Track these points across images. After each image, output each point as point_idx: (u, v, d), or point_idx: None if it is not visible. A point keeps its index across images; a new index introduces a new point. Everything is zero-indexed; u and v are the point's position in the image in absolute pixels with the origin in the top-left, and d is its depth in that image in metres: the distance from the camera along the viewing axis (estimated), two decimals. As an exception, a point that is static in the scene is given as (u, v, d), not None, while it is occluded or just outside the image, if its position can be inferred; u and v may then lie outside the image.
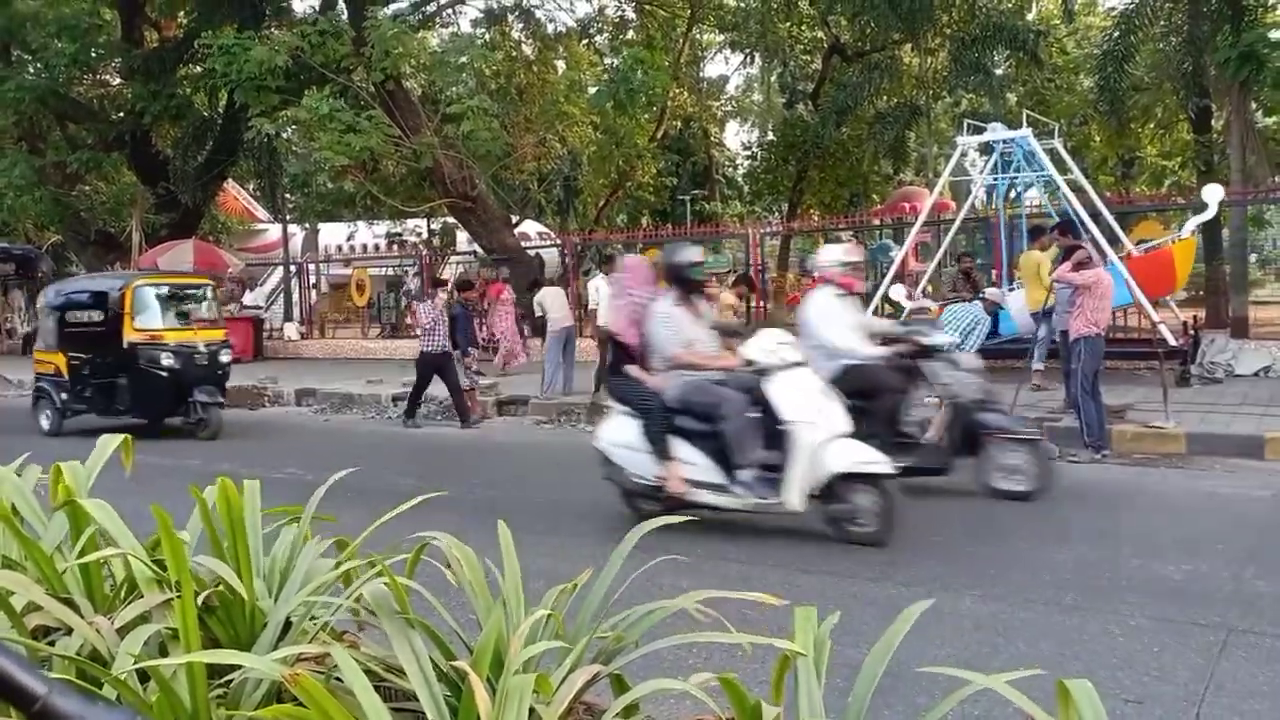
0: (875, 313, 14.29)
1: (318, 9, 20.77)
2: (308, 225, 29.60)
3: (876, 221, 22.79)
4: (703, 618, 2.33)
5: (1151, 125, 24.35)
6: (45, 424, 12.30)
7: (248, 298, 24.05)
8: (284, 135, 21.68)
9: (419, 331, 12.33)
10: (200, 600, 2.19)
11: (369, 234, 29.85)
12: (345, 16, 19.15)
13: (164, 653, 2.13)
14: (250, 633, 2.31)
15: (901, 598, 4.95)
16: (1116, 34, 19.17)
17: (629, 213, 34.06)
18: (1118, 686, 3.89)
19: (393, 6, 20.48)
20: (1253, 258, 24.95)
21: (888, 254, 15.39)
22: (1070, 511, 7.00)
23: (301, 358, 21.57)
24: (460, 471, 9.15)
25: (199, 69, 19.91)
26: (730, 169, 36.50)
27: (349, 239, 29.73)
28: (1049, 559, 5.72)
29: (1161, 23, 18.96)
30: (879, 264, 18.79)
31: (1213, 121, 19.81)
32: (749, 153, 35.98)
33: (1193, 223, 12.64)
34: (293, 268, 24.91)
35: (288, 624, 2.32)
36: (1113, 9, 22.42)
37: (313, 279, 24.91)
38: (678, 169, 32.43)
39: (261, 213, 33.08)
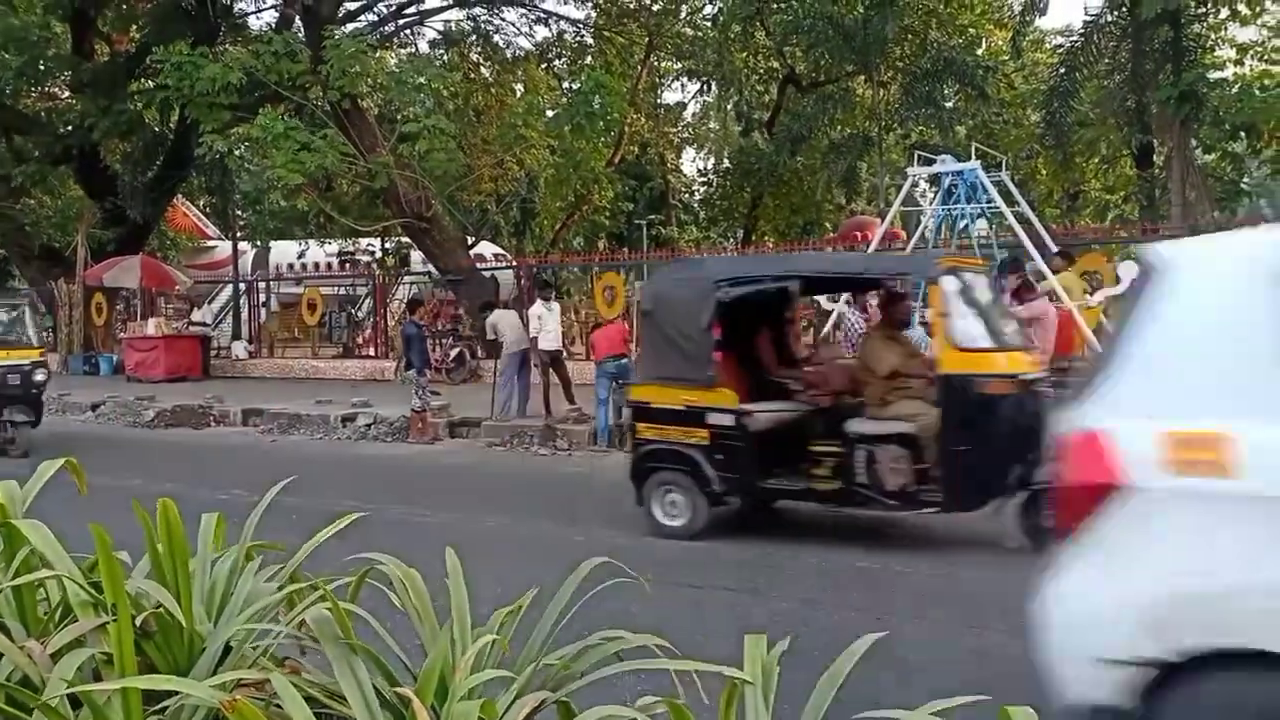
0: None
1: (274, 27, 20.62)
2: (259, 243, 29.22)
3: (829, 250, 23.04)
4: (654, 647, 2.32)
5: (1096, 160, 25.01)
6: None
7: (195, 315, 23.64)
8: (236, 152, 21.47)
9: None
10: (138, 624, 2.14)
11: (321, 252, 29.52)
12: (302, 35, 19.03)
13: (98, 678, 2.07)
14: (188, 658, 2.26)
15: (854, 623, 4.97)
16: (1062, 70, 19.73)
17: (586, 236, 34.12)
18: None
19: (351, 26, 20.42)
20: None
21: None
22: (948, 532, 7.09)
23: (249, 377, 21.23)
24: (410, 493, 9.05)
25: (151, 84, 19.63)
26: (686, 195, 36.76)
27: (300, 257, 29.38)
28: (995, 584, 5.78)
29: (1106, 60, 19.55)
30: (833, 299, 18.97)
31: (1154, 157, 20.40)
32: (705, 179, 36.32)
33: (1103, 293, 12.44)
34: (242, 286, 24.56)
35: (228, 649, 2.27)
36: (1059, 46, 23.05)
37: (262, 297, 24.58)
38: (634, 194, 32.58)
39: (212, 230, 32.62)
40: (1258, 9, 20.93)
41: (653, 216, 33.87)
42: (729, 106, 31.96)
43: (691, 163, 41.89)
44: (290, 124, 16.80)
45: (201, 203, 32.36)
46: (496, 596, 3.52)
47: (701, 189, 35.84)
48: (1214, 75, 18.83)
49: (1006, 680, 4.30)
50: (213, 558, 2.64)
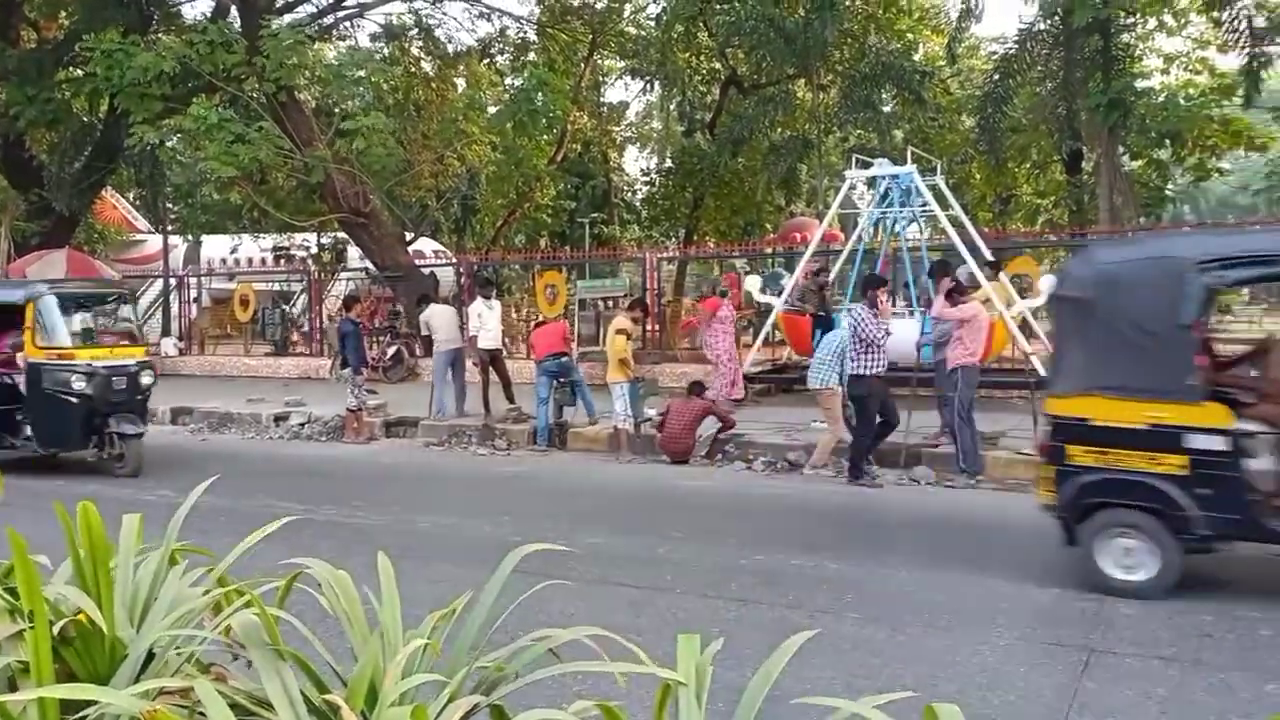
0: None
1: (209, 16, 20.15)
2: (190, 237, 28.56)
3: (769, 250, 23.24)
4: (590, 645, 2.31)
5: (1027, 165, 25.60)
6: None
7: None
8: (168, 144, 20.96)
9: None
10: (56, 630, 2.08)
11: (254, 247, 28.96)
12: (238, 25, 18.64)
13: (14, 688, 2.01)
14: (109, 665, 2.20)
15: (786, 621, 5.04)
16: (996, 77, 20.16)
17: (527, 234, 33.95)
18: (987, 707, 4.04)
19: (289, 17, 20.04)
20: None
21: (779, 282, 15.71)
22: (944, 535, 7.26)
23: (179, 375, 20.73)
24: (344, 494, 8.92)
25: (80, 72, 19.05)
26: (629, 194, 36.77)
27: (233, 252, 28.79)
28: (925, 582, 5.90)
29: (1039, 68, 20.01)
30: (770, 291, 19.18)
31: (1083, 163, 20.96)
32: (647, 179, 36.35)
33: (1021, 305, 12.79)
34: (172, 281, 23.96)
35: (150, 656, 2.21)
36: (994, 53, 23.54)
37: (193, 293, 24.02)
38: (577, 192, 32.51)
39: (141, 223, 31.79)
40: (1183, 21, 21.65)
41: (595, 215, 33.83)
42: (672, 106, 32.05)
43: (634, 162, 41.96)
44: (224, 115, 16.44)
45: (131, 195, 31.49)
46: (432, 599, 3.49)
47: (644, 188, 35.88)
48: (1141, 84, 19.41)
49: (938, 676, 4.40)
50: (136, 561, 2.57)
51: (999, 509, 8.15)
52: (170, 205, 26.92)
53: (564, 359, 11.81)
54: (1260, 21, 16.56)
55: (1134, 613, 5.24)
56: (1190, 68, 23.47)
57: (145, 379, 10.49)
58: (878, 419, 9.29)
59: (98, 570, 2.35)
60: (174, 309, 23.30)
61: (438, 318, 13.41)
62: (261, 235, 28.58)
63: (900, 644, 4.84)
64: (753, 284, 14.54)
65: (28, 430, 10.11)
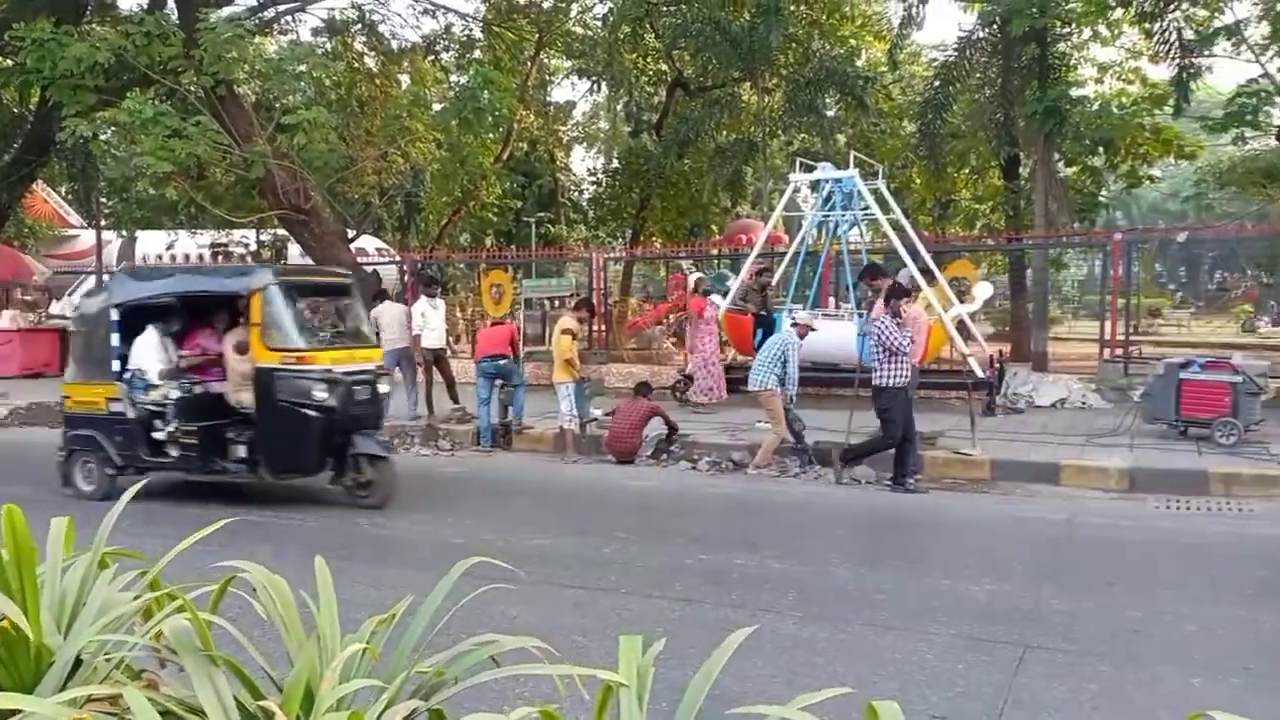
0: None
1: (145, 7, 19.66)
2: (124, 233, 27.84)
3: (715, 251, 23.37)
4: (533, 649, 2.30)
5: (966, 170, 26.03)
6: (86, 485, 8.66)
7: (55, 307, 22.36)
8: (102, 137, 20.40)
9: (883, 362, 8.91)
10: (-23, 639, 2.01)
11: (191, 244, 28.34)
12: (175, 16, 18.22)
13: (-68, 698, 1.94)
14: (35, 672, 2.14)
15: (729, 620, 5.07)
16: (937, 84, 20.49)
17: (473, 233, 33.69)
18: (925, 703, 4.10)
19: (228, 10, 19.63)
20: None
21: (724, 283, 15.81)
22: (885, 534, 7.36)
23: (113, 373, 20.19)
24: (280, 495, 8.76)
25: (10, 62, 18.45)
26: (576, 194, 36.70)
27: (169, 248, 28.12)
28: (865, 581, 5.98)
29: (977, 76, 20.38)
30: (718, 293, 19.31)
31: (1021, 169, 21.37)
32: (594, 179, 36.30)
33: (958, 309, 13.10)
34: (106, 277, 23.34)
35: (78, 662, 2.16)
36: (934, 60, 23.91)
37: (129, 290, 23.38)
38: (523, 191, 32.35)
39: (74, 218, 30.89)
40: (1117, 31, 22.19)
41: (541, 214, 33.71)
42: (619, 107, 32.05)
43: (581, 162, 41.91)
44: (160, 109, 16.04)
45: (63, 189, 30.60)
46: (373, 603, 3.45)
47: (591, 188, 35.84)
48: (1076, 93, 19.85)
49: (878, 674, 4.46)
50: (63, 565, 2.50)
51: (937, 508, 8.29)
52: (104, 200, 26.19)
53: (503, 362, 11.69)
54: (1189, 34, 17.05)
55: (1067, 609, 5.36)
56: (1123, 77, 24.06)
57: (383, 387, 8.78)
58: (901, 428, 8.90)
59: (23, 575, 2.28)
60: (107, 306, 22.67)
61: (386, 316, 13.25)
62: (199, 232, 27.98)
63: (841, 642, 4.90)
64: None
65: (239, 451, 8.30)
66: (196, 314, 8.96)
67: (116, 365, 8.52)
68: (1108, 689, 4.27)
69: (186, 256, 27.37)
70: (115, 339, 8.56)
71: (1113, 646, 4.79)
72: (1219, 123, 17.26)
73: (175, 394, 8.44)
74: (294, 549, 6.54)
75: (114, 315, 8.60)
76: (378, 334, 13.47)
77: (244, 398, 8.32)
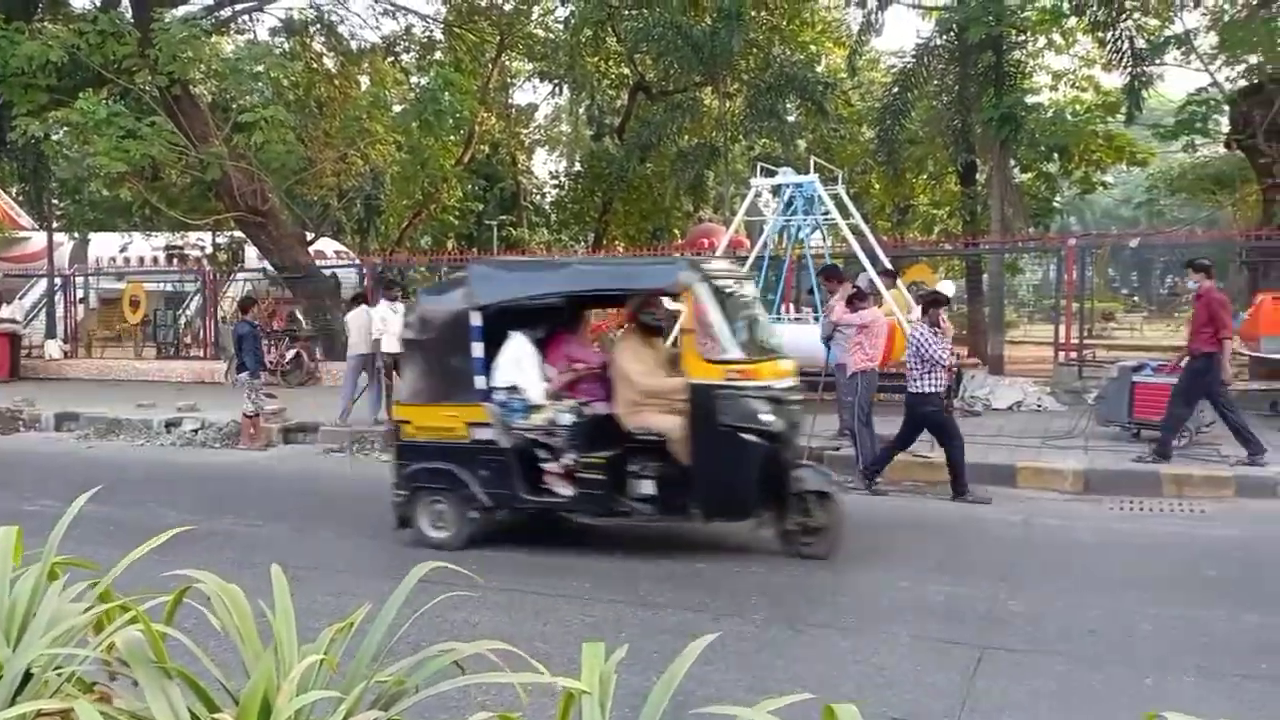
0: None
1: (99, 5, 19.34)
2: (77, 234, 27.33)
3: (677, 255, 23.44)
4: (493, 655, 2.29)
5: (924, 176, 26.35)
6: (437, 530, 7.06)
7: (4, 311, 21.87)
8: (54, 137, 20.02)
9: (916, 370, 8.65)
10: (-79, 654, 1.96)
11: (146, 246, 27.87)
12: (129, 15, 17.94)
13: (-127, 715, 1.88)
14: (-18, 688, 2.08)
15: (691, 624, 5.07)
16: (895, 90, 20.72)
17: (434, 235, 33.49)
18: (885, 705, 4.13)
19: (183, 8, 19.36)
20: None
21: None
22: (847, 536, 7.41)
23: (64, 378, 19.83)
24: (240, 503, 8.64)
25: (-43, 60, 18.05)
26: (538, 197, 36.61)
27: (123, 251, 27.65)
28: (826, 583, 6.02)
29: (935, 82, 20.64)
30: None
31: (977, 175, 21.67)
32: (556, 182, 36.26)
33: (919, 311, 13.24)
34: (58, 280, 22.87)
35: (28, 676, 2.11)
36: (893, 66, 24.20)
37: (80, 293, 22.96)
38: (485, 194, 32.20)
39: (25, 219, 30.24)
40: (1071, 41, 22.60)
41: (503, 217, 33.58)
42: (581, 110, 32.05)
43: (543, 165, 41.80)
44: (114, 109, 15.82)
45: (14, 190, 29.96)
46: (333, 612, 3.41)
47: (553, 191, 35.78)
48: (1031, 100, 20.18)
49: (839, 676, 4.49)
50: (12, 575, 2.44)
51: (897, 510, 8.36)
52: (56, 201, 25.70)
53: None
54: (1141, 43, 17.40)
55: (1024, 610, 5.43)
56: (1077, 85, 24.51)
57: (801, 407, 7.45)
58: (936, 435, 8.85)
59: (-31, 588, 2.22)
60: (59, 310, 22.26)
61: (352, 320, 13.11)
62: (153, 234, 27.54)
63: (803, 645, 4.92)
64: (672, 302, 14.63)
65: (643, 488, 6.69)
66: (549, 318, 7.40)
67: (481, 382, 6.93)
68: (1064, 689, 4.33)
69: (141, 259, 26.92)
70: (478, 349, 6.96)
71: (1069, 647, 4.86)
72: (1170, 130, 17.62)
73: (567, 418, 6.82)
74: (251, 558, 6.45)
75: (476, 320, 6.96)
76: (345, 339, 13.36)
77: (648, 421, 6.67)
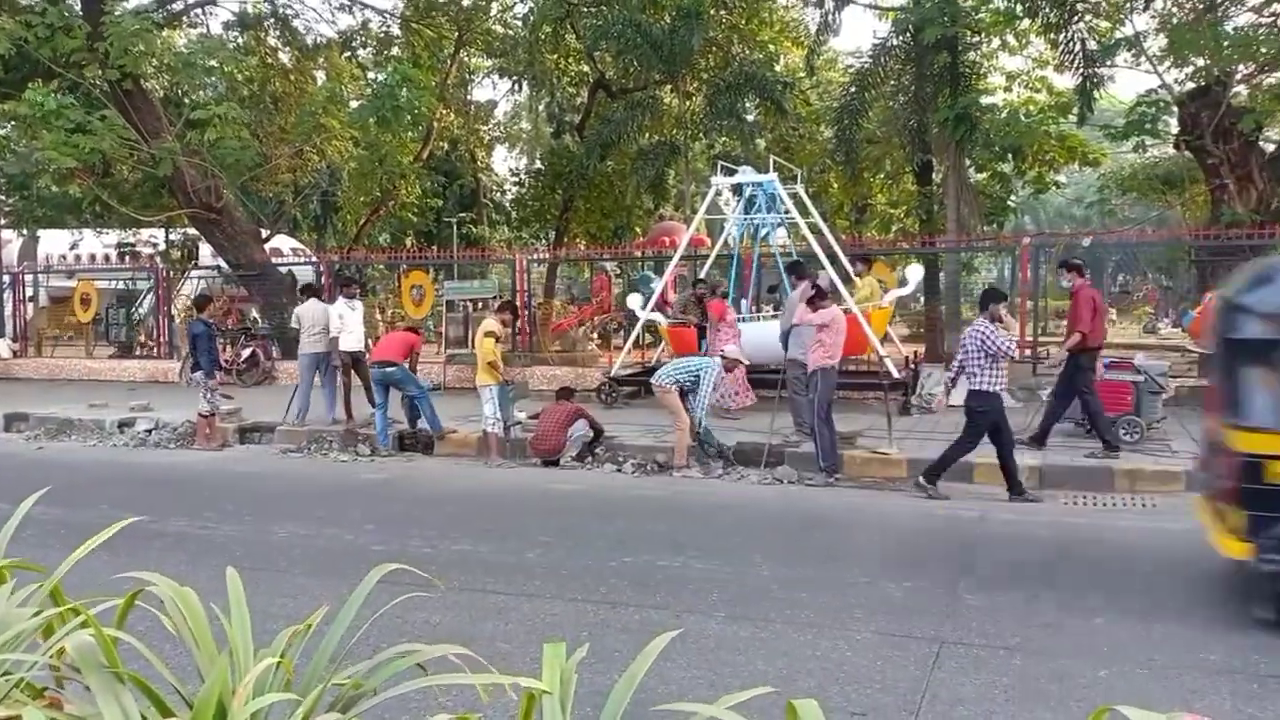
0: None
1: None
2: (25, 231, 26.72)
3: (639, 253, 23.48)
4: (453, 658, 2.27)
5: (881, 175, 26.58)
6: None
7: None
8: (1, 131, 19.57)
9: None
10: None
11: (97, 243, 27.34)
12: (79, 7, 17.57)
13: None
14: (-75, 697, 2.03)
15: (653, 622, 5.08)
16: (853, 90, 20.87)
17: (392, 233, 33.18)
18: (845, 700, 4.17)
19: (134, 2, 19.01)
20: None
21: (649, 285, 15.89)
22: (805, 532, 7.47)
23: (14, 378, 19.40)
24: (195, 504, 8.50)
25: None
26: (498, 194, 36.40)
27: (73, 248, 27.11)
28: (787, 579, 6.05)
29: (891, 82, 20.82)
30: (644, 294, 19.39)
31: (933, 175, 21.90)
32: (517, 179, 36.08)
33: (893, 294, 13.59)
34: (6, 278, 22.36)
35: (-26, 684, 2.05)
36: (850, 66, 24.36)
37: (29, 291, 22.47)
38: (444, 191, 31.97)
39: (-30, 216, 29.55)
40: (1024, 42, 22.90)
41: (463, 215, 33.37)
42: (540, 107, 31.94)
43: (503, 162, 41.62)
44: (63, 102, 15.49)
45: (-42, 186, 29.22)
46: (289, 614, 3.36)
47: (513, 189, 35.60)
48: (986, 100, 20.44)
49: (799, 672, 4.52)
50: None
51: (856, 507, 8.44)
52: (3, 197, 25.11)
53: (389, 369, 11.53)
54: (1092, 45, 17.70)
55: (981, 605, 5.50)
56: (1030, 86, 24.84)
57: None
58: (986, 435, 8.66)
59: (-88, 594, 2.16)
60: (8, 308, 21.77)
61: (305, 316, 12.94)
62: (105, 231, 27.02)
63: (764, 641, 4.95)
64: (635, 302, 14.71)
65: None
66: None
67: None
68: (1019, 682, 4.40)
69: (92, 256, 26.41)
70: None
71: (1024, 640, 4.93)
72: (1121, 131, 17.93)
73: None
74: (206, 559, 6.36)
75: None
76: (298, 334, 13.19)
77: None
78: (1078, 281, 10.33)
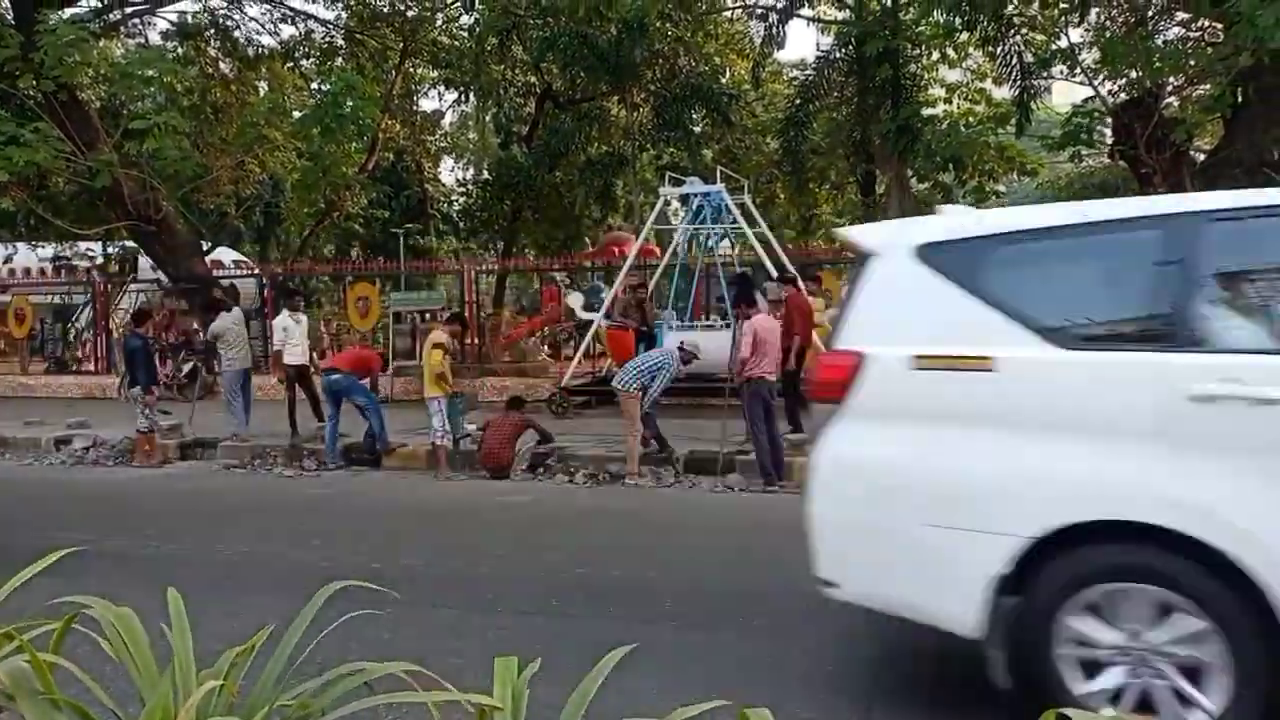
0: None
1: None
2: (-44, 245, 25.97)
3: (589, 264, 23.47)
4: (403, 675, 2.24)
5: (826, 186, 26.91)
6: None
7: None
8: (-71, 143, 19.00)
9: None
10: None
11: (32, 257, 26.66)
12: (11, 17, 17.13)
13: None
14: None
15: (606, 633, 5.06)
16: (798, 101, 21.14)
17: (337, 244, 32.76)
18: (799, 706, 4.19)
19: (69, 10, 18.57)
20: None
21: (599, 295, 15.91)
22: (757, 538, 7.50)
23: (-58, 396, 18.78)
24: (135, 523, 8.30)
25: None
26: (445, 205, 36.13)
27: (7, 262, 26.40)
28: (739, 587, 6.07)
29: (835, 94, 21.11)
30: (593, 304, 19.39)
31: (876, 185, 22.22)
32: (464, 190, 35.83)
33: (833, 311, 13.72)
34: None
35: (-99, 715, 1.98)
36: (795, 78, 24.64)
37: (-41, 306, 21.81)
38: (390, 202, 31.65)
39: (-102, 230, 28.63)
40: (963, 55, 23.34)
41: (410, 226, 33.06)
42: (488, 118, 31.77)
43: (450, 173, 41.32)
44: (-5, 114, 15.06)
45: (-115, 199, 28.31)
46: (234, 634, 3.29)
47: (461, 200, 35.35)
48: (927, 112, 20.78)
49: (751, 681, 4.53)
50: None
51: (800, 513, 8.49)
52: (-68, 210, 24.38)
53: (335, 376, 11.39)
54: (1029, 58, 18.09)
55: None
56: (970, 98, 25.31)
57: None
58: None
59: None
60: (-64, 325, 21.11)
61: (229, 331, 12.50)
62: (40, 244, 26.36)
63: (717, 649, 4.95)
64: (575, 301, 14.78)
65: None
66: None
67: None
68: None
69: (26, 270, 25.75)
70: None
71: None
72: (1057, 141, 18.31)
73: None
74: (147, 579, 6.20)
75: None
76: (217, 351, 12.82)
77: None
78: (788, 290, 10.87)
